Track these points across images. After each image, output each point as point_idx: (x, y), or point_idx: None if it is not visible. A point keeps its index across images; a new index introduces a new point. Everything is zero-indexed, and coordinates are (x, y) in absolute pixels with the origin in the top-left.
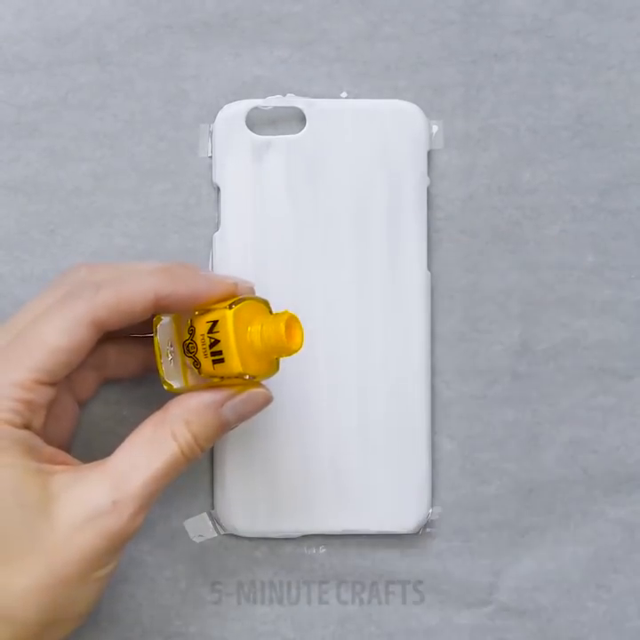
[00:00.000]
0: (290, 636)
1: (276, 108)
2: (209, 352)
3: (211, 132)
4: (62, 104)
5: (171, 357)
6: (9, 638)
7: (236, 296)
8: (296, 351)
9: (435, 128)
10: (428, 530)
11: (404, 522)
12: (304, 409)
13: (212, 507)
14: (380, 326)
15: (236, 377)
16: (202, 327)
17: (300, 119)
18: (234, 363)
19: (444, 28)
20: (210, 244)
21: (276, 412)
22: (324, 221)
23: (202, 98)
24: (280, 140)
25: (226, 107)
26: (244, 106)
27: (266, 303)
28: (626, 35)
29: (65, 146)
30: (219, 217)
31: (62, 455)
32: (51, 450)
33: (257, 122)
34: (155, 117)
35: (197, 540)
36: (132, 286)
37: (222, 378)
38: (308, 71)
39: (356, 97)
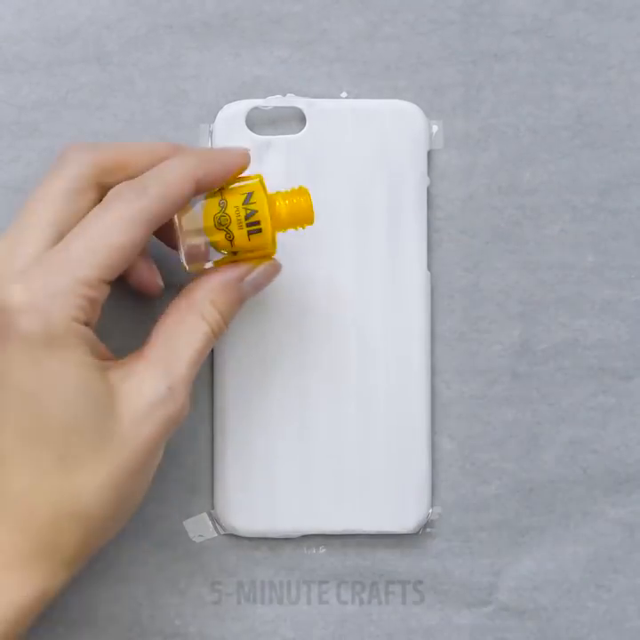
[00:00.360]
0: (290, 636)
1: (276, 107)
2: (245, 223)
3: (211, 132)
4: (62, 104)
5: (193, 238)
6: (81, 536)
7: (246, 165)
8: (313, 222)
9: (435, 128)
10: (427, 530)
11: (404, 522)
12: (304, 408)
13: (212, 507)
14: (379, 326)
15: (259, 250)
16: (235, 199)
17: (300, 119)
18: (269, 232)
19: (444, 28)
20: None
21: (277, 412)
22: (323, 221)
23: (202, 98)
24: (280, 139)
25: (226, 107)
26: (244, 106)
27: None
28: (626, 35)
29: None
30: None
31: (105, 349)
32: (102, 346)
33: (257, 122)
34: (155, 117)
35: (197, 539)
36: (175, 178)
37: (235, 253)
38: (308, 71)
39: (356, 97)
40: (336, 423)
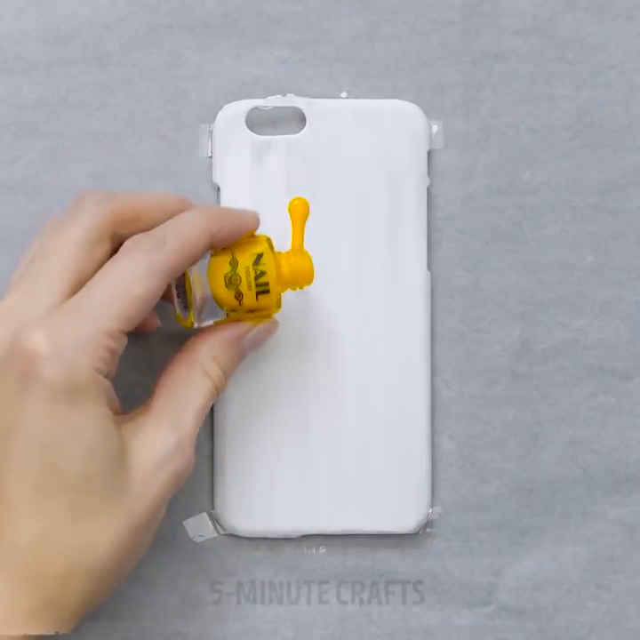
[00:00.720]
0: (290, 636)
1: (276, 107)
2: (254, 284)
3: (211, 132)
4: (62, 104)
5: (196, 295)
6: (89, 591)
7: (256, 227)
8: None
9: (435, 128)
10: (428, 530)
11: (404, 522)
12: (304, 409)
13: (212, 507)
14: (380, 326)
15: (264, 309)
16: (246, 259)
17: (300, 119)
18: (276, 294)
19: (444, 28)
20: None
21: (277, 412)
22: (323, 221)
23: (202, 98)
24: (280, 139)
25: (226, 107)
26: (244, 106)
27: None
28: (626, 35)
29: (65, 146)
30: None
31: (118, 402)
32: (116, 399)
33: (257, 122)
34: (155, 117)
35: (197, 539)
36: (192, 232)
37: (235, 311)
38: (308, 71)
39: (356, 97)
40: (336, 423)
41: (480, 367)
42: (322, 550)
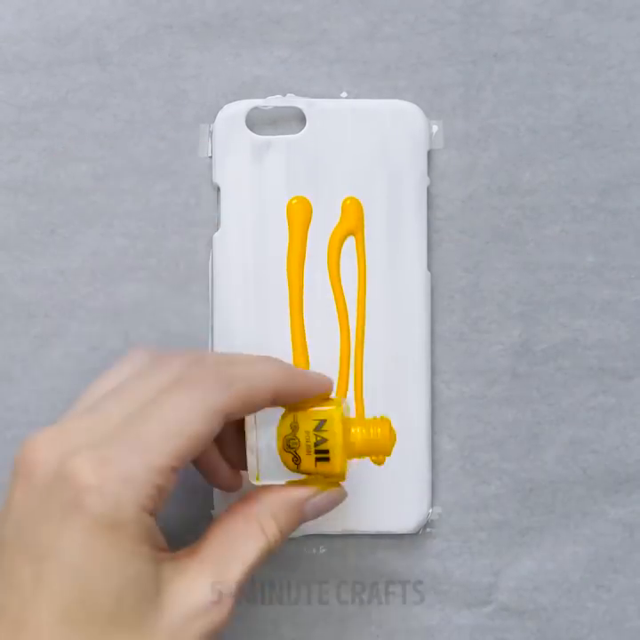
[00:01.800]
0: (290, 636)
1: (276, 107)
2: (314, 450)
3: (211, 132)
4: (62, 104)
5: (263, 451)
6: None
7: (327, 393)
8: (390, 454)
9: (435, 128)
10: (428, 530)
11: (404, 522)
12: None
13: (213, 507)
14: (380, 326)
15: (329, 476)
16: (307, 424)
17: (300, 119)
18: (338, 462)
19: (444, 28)
20: (210, 244)
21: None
22: (323, 221)
23: (202, 98)
24: (280, 139)
25: (226, 107)
26: (244, 106)
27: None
28: (626, 35)
29: (65, 146)
30: (219, 217)
31: (163, 539)
32: (161, 536)
33: (257, 122)
34: (155, 117)
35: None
36: (259, 380)
37: (308, 473)
38: (308, 71)
39: (356, 97)
40: None
41: (480, 367)
42: (322, 550)
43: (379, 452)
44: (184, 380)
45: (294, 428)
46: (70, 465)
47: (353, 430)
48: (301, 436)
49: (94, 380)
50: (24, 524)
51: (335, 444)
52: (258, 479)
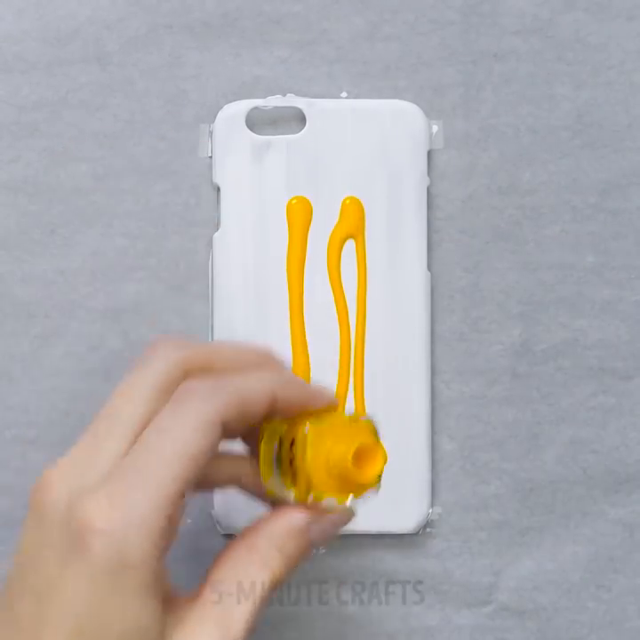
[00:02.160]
0: (290, 636)
1: (276, 107)
2: (289, 468)
3: (211, 132)
4: (62, 104)
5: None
6: None
7: (328, 406)
8: (372, 485)
9: (435, 128)
10: (428, 530)
11: (404, 522)
12: None
13: (213, 507)
14: (380, 326)
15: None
16: (288, 439)
17: (300, 119)
18: (302, 490)
19: (444, 28)
20: (210, 244)
21: None
22: (324, 221)
23: (202, 98)
24: (280, 139)
25: (226, 107)
26: (244, 106)
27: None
28: (626, 35)
29: (65, 146)
30: (219, 217)
31: (169, 583)
32: (168, 580)
33: (257, 122)
34: (155, 117)
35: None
36: (253, 387)
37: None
38: (308, 71)
39: (356, 97)
40: None
41: (480, 367)
42: (322, 550)
43: (348, 481)
44: (174, 396)
45: (279, 442)
46: (79, 506)
47: (325, 449)
48: (284, 449)
49: (118, 386)
50: (31, 564)
51: (298, 467)
52: (265, 481)
